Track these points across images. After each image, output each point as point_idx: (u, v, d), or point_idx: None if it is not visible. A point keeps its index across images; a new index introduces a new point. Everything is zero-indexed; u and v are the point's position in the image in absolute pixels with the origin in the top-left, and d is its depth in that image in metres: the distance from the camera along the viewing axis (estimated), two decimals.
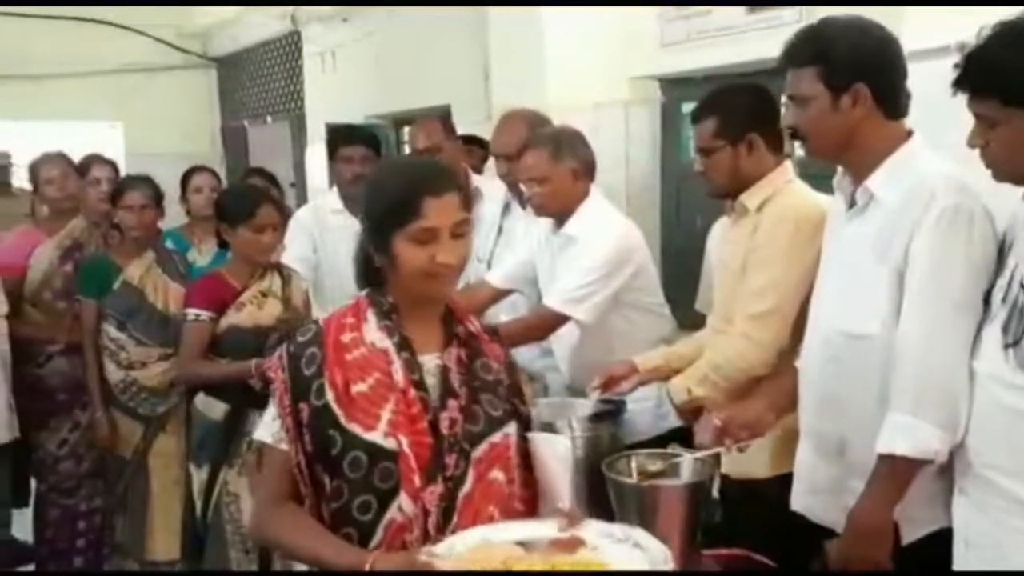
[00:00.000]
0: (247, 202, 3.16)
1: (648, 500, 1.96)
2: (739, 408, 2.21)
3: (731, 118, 2.42)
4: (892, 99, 1.97)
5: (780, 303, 2.31)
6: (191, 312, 3.13)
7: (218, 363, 3.14)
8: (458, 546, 1.63)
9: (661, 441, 2.81)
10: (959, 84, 1.76)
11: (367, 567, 1.60)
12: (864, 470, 1.91)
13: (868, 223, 1.97)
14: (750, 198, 2.41)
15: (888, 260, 1.90)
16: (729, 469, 2.42)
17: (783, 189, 2.40)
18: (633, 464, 2.09)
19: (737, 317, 2.38)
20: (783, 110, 2.23)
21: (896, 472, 1.85)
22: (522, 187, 2.98)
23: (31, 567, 4.00)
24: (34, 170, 3.96)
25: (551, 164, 2.83)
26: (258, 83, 8.74)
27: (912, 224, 1.86)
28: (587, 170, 2.92)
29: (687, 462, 2.07)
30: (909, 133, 1.99)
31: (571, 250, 2.88)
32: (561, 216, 2.92)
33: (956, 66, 1.76)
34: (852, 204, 2.02)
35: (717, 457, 2.16)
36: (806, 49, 1.98)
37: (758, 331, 2.33)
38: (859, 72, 1.94)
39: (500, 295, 3.18)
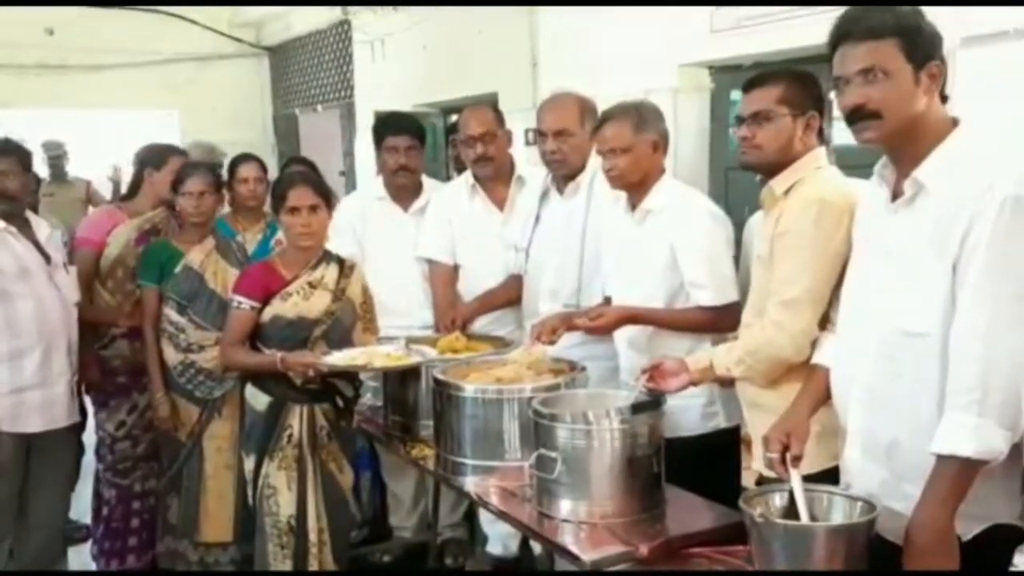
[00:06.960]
0: (280, 187, 3.24)
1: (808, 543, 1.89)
2: (779, 420, 2.18)
3: (800, 90, 2.38)
4: (945, 82, 1.91)
5: (810, 289, 2.26)
6: (235, 299, 3.20)
7: (251, 351, 3.18)
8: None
9: (705, 440, 2.83)
10: None
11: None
12: (917, 473, 1.84)
13: (921, 216, 1.88)
14: (778, 183, 2.38)
15: (946, 255, 1.82)
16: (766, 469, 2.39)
17: (811, 175, 2.35)
18: (778, 501, 2.03)
19: (768, 304, 2.34)
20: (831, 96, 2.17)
21: (957, 474, 1.78)
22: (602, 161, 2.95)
23: (87, 545, 4.10)
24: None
25: (633, 135, 2.84)
26: (309, 72, 8.82)
27: (970, 215, 1.78)
28: (665, 144, 2.92)
29: (838, 502, 2.01)
30: (954, 122, 1.92)
31: (657, 224, 2.87)
32: (636, 191, 2.92)
33: None
34: (895, 195, 1.96)
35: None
36: (886, 20, 1.87)
37: (789, 318, 2.28)
38: (937, 48, 1.88)
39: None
